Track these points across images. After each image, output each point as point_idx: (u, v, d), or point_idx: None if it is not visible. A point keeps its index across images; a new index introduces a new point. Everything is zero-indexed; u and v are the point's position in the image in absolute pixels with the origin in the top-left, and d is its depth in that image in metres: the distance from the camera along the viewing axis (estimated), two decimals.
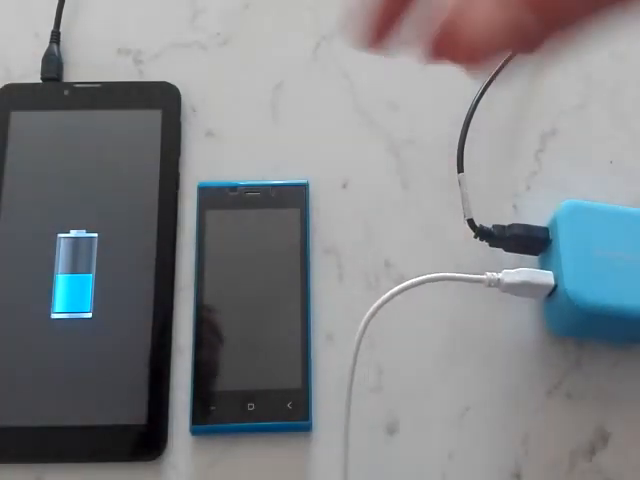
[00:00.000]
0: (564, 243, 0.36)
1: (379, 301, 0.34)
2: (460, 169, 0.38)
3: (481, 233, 0.37)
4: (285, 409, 0.35)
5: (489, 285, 0.37)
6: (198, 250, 0.38)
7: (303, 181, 0.40)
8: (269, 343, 0.37)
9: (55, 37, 0.43)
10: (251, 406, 0.35)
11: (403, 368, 0.38)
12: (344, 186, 0.41)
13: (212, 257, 0.38)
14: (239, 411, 0.35)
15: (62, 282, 0.38)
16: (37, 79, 0.42)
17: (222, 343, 0.37)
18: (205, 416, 0.35)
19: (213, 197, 0.39)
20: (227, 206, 0.39)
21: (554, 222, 0.37)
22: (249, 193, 0.39)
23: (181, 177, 0.41)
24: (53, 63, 0.43)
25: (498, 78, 0.41)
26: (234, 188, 0.40)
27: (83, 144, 0.41)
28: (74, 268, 0.38)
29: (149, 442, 0.35)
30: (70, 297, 0.38)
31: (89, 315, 0.37)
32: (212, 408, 0.35)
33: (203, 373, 0.36)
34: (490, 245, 0.38)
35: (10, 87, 0.42)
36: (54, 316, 0.37)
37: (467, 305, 0.39)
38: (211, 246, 0.38)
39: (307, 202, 0.39)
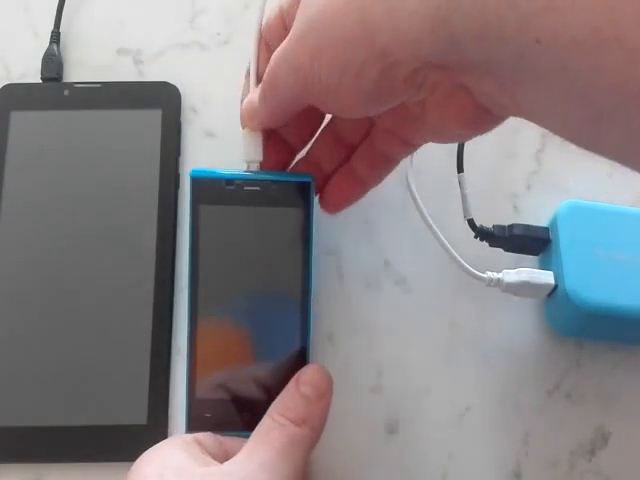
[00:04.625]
0: (564, 243, 0.36)
1: None
2: (460, 169, 0.38)
3: (481, 233, 0.37)
4: None
5: (489, 284, 0.37)
6: (192, 248, 0.34)
7: (307, 178, 0.35)
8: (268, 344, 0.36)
9: (55, 37, 0.43)
10: (248, 414, 0.34)
11: (403, 368, 0.38)
12: None
13: (207, 256, 0.35)
14: (236, 417, 0.34)
15: None
16: (37, 79, 0.42)
17: (217, 347, 0.35)
18: (200, 424, 0.34)
19: (207, 191, 0.35)
20: (223, 201, 0.35)
21: (554, 222, 0.37)
22: (248, 187, 0.35)
23: (181, 177, 0.41)
24: (53, 63, 0.43)
25: None
26: (231, 181, 0.35)
27: (83, 144, 0.41)
28: None
29: (149, 442, 0.35)
30: None
31: None
32: (208, 415, 0.34)
33: (198, 379, 0.34)
34: (490, 245, 0.38)
35: (10, 87, 0.42)
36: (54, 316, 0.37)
37: (467, 305, 0.39)
38: (205, 244, 0.35)
39: (311, 200, 0.35)
